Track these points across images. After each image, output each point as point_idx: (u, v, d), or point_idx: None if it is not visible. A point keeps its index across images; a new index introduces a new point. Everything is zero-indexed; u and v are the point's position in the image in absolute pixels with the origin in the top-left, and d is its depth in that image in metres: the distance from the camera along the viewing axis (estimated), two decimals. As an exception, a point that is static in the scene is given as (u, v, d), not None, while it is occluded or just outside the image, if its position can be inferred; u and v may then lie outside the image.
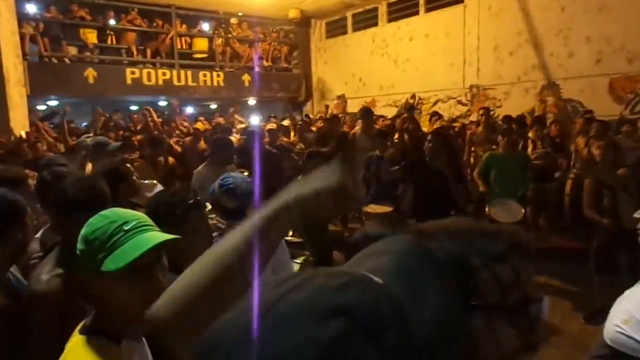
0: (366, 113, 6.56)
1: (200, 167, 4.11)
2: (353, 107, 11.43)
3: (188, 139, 6.75)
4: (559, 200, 5.37)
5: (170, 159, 5.16)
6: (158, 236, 1.00)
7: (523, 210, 4.51)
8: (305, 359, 0.31)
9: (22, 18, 8.91)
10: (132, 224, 0.99)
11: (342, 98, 12.39)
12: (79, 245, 0.99)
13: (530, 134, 6.02)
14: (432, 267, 0.45)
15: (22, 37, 8.69)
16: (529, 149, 5.79)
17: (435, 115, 7.87)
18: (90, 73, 9.48)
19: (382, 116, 8.70)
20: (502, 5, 8.77)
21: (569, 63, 7.97)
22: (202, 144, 6.39)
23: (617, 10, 7.24)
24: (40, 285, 1.44)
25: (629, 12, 7.13)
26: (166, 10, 10.67)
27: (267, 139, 6.09)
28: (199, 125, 7.61)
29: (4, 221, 1.45)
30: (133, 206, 2.83)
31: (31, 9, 10.14)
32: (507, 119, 6.93)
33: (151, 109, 7.50)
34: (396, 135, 6.23)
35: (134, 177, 2.76)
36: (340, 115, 9.47)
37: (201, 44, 11.55)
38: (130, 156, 4.53)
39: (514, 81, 8.76)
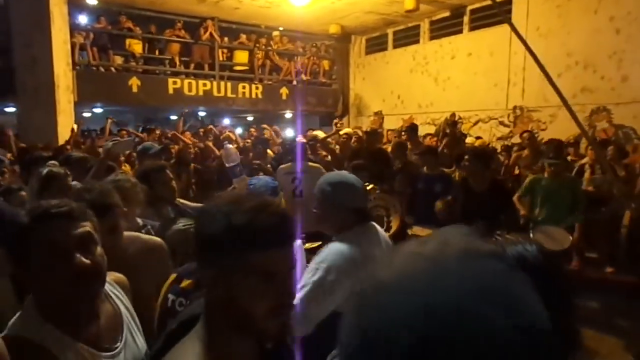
0: (412, 129, 6.39)
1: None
2: (390, 124, 11.28)
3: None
4: (613, 231, 5.04)
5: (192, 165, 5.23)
6: None
7: (571, 238, 4.25)
8: (499, 284, 0.38)
9: (74, 28, 9.29)
10: None
11: (379, 114, 12.27)
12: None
13: (586, 158, 5.71)
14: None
15: (72, 46, 9.04)
16: (587, 174, 5.48)
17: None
18: (135, 82, 9.75)
19: (429, 134, 8.52)
20: (550, 26, 8.48)
21: (622, 87, 7.58)
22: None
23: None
24: None
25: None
26: (210, 23, 10.90)
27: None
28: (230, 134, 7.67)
29: None
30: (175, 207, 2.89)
31: (83, 19, 10.58)
32: (554, 143, 6.61)
33: (181, 120, 7.63)
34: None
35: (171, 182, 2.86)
36: (379, 130, 9.33)
37: (242, 57, 11.72)
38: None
39: (560, 104, 8.38)
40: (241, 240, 0.83)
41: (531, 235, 4.23)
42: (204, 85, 10.59)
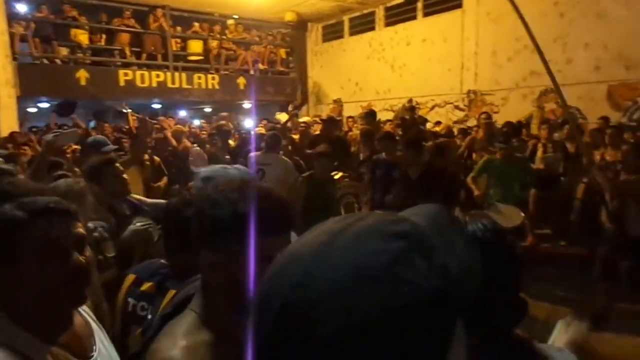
0: (370, 114, 6.44)
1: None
2: (349, 111, 11.34)
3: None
4: (565, 206, 5.29)
5: (156, 159, 4.99)
6: None
7: (523, 215, 4.43)
8: (376, 263, 0.37)
9: (12, 17, 8.73)
10: None
11: (338, 102, 12.30)
12: None
13: (541, 137, 5.95)
14: (459, 228, 0.51)
15: (11, 37, 8.51)
16: (539, 152, 5.71)
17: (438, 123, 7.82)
18: (82, 75, 9.31)
19: (388, 120, 8.63)
20: (501, 11, 8.71)
21: (567, 69, 7.92)
22: (186, 144, 6.28)
23: (615, 17, 7.21)
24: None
25: (627, 19, 7.09)
26: (160, 12, 10.52)
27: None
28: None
29: None
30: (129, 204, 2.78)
31: (22, 8, 9.96)
32: (508, 125, 6.86)
33: (130, 112, 7.32)
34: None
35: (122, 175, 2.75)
36: (338, 118, 9.37)
37: (196, 46, 11.42)
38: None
39: (512, 87, 8.71)
40: (248, 227, 0.84)
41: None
42: (157, 76, 10.25)
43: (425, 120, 8.40)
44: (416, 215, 0.49)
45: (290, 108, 10.98)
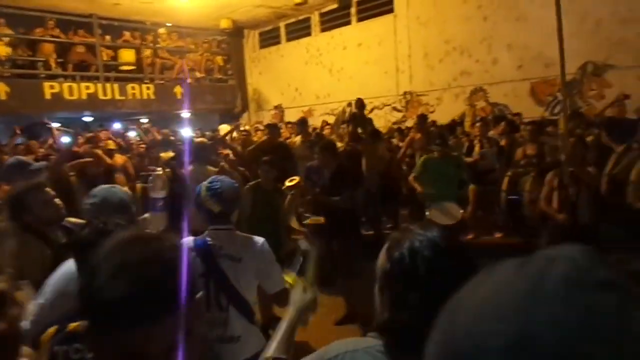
0: (301, 123, 6.56)
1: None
2: (290, 116, 11.35)
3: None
4: (498, 200, 5.59)
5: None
6: None
7: (461, 211, 4.63)
8: (602, 320, 0.32)
9: None
10: None
11: (279, 108, 12.28)
12: None
13: (477, 133, 6.24)
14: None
15: None
16: (476, 148, 5.98)
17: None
18: (2, 88, 8.67)
19: (327, 123, 8.73)
20: (429, 15, 9.11)
21: (494, 69, 8.41)
22: (117, 159, 6.01)
23: (533, 19, 7.74)
24: None
25: (543, 21, 7.60)
26: (87, 21, 10.04)
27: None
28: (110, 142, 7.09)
29: None
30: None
31: None
32: (439, 127, 7.18)
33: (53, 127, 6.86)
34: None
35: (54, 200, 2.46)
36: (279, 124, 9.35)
37: (127, 56, 10.97)
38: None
39: (444, 87, 9.10)
40: (98, 313, 0.65)
41: (427, 212, 4.54)
42: (87, 88, 9.74)
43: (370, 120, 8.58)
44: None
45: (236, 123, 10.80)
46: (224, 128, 9.50)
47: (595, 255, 0.38)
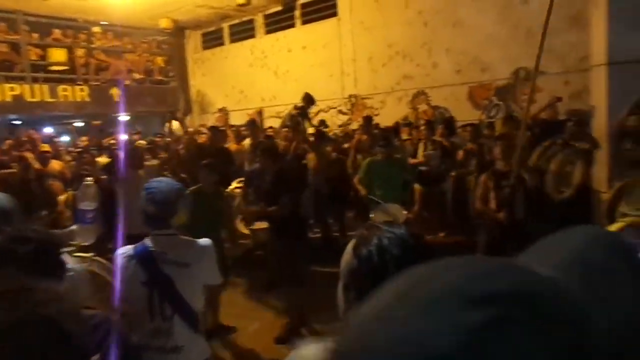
0: (251, 124, 6.41)
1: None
2: (236, 119, 11.14)
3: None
4: (442, 199, 5.75)
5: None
6: None
7: (405, 213, 4.71)
8: (441, 345, 0.28)
9: None
10: None
11: (223, 111, 12.02)
12: None
13: (421, 136, 6.38)
14: (629, 261, 0.37)
15: None
16: (420, 150, 6.11)
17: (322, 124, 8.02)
18: None
19: (270, 127, 8.63)
20: (373, 19, 9.25)
21: (434, 73, 8.67)
22: (55, 165, 5.66)
23: (469, 25, 8.07)
24: None
25: (480, 27, 7.98)
26: (11, 17, 9.33)
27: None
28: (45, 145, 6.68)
29: None
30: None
31: None
32: (383, 129, 7.31)
33: None
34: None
35: None
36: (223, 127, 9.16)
37: (58, 55, 10.31)
38: None
39: (388, 90, 9.28)
40: None
41: (371, 214, 4.58)
42: (12, 89, 9.04)
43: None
44: (553, 252, 0.37)
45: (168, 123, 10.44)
46: (175, 124, 9.17)
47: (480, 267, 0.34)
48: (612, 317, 0.31)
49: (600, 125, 5.48)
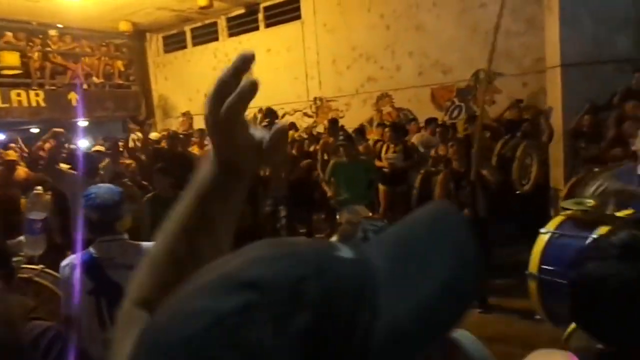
0: (203, 132, 6.31)
1: None
2: (200, 123, 10.95)
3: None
4: (408, 197, 5.83)
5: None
6: None
7: (370, 214, 4.75)
8: (190, 331, 0.28)
9: None
10: None
11: (187, 115, 11.78)
12: None
13: (385, 138, 6.45)
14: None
15: None
16: (383, 151, 6.17)
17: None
18: None
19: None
20: (336, 22, 9.30)
21: (398, 75, 8.79)
22: (20, 172, 5.40)
23: (430, 29, 8.23)
24: None
25: (440, 31, 8.15)
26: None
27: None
28: (10, 153, 6.39)
29: None
30: None
31: None
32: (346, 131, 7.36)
33: None
34: None
35: None
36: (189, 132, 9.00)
37: (11, 58, 9.86)
38: None
39: (352, 93, 9.34)
40: None
41: (337, 215, 4.59)
42: (-40, 94, 8.60)
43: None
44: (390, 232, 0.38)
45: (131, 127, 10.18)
46: (139, 135, 8.91)
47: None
48: (410, 296, 0.31)
49: (556, 126, 5.68)
